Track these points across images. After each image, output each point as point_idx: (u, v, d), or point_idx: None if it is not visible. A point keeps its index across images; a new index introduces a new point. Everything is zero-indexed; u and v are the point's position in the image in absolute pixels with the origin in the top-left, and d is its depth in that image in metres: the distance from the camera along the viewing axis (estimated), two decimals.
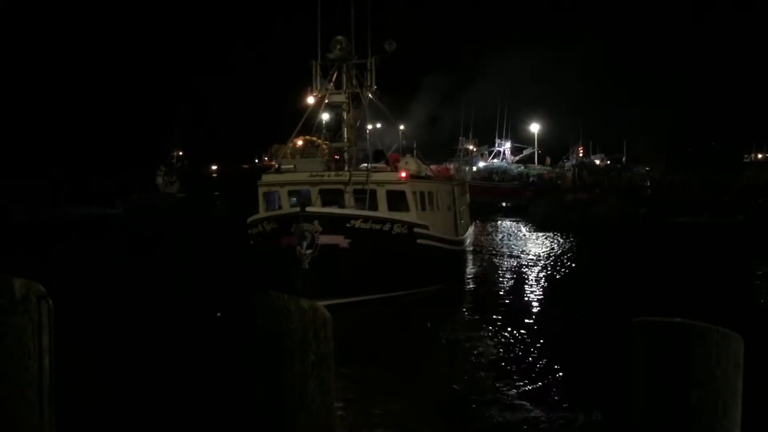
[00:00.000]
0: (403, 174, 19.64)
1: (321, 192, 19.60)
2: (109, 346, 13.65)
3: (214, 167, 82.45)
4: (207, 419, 10.16)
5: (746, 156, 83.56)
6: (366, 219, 17.32)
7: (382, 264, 16.94)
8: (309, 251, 15.81)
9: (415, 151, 30.35)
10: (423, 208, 20.21)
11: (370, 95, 22.77)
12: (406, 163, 22.04)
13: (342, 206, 18.89)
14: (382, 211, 18.86)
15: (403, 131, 43.24)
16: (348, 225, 16.80)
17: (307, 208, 16.35)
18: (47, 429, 5.55)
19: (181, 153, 76.49)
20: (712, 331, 4.02)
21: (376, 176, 19.44)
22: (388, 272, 17.25)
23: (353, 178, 19.07)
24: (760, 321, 17.11)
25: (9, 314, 5.43)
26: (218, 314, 16.89)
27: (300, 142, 22.22)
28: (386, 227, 17.66)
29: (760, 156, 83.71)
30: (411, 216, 19.09)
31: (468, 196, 31.93)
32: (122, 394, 10.97)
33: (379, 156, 22.36)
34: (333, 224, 16.37)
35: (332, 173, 19.74)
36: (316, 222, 15.92)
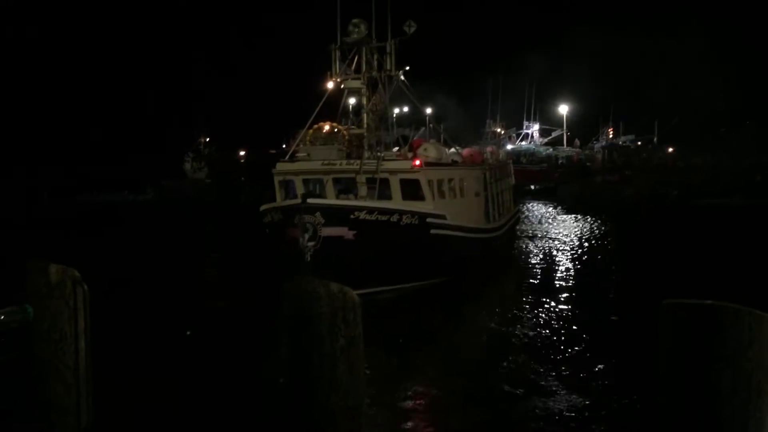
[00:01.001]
0: (417, 162, 18.92)
1: (335, 181, 19.21)
2: (141, 332, 13.89)
3: (242, 153, 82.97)
4: (238, 401, 10.31)
5: None
6: (371, 210, 16.78)
7: (391, 256, 16.34)
8: (311, 243, 15.49)
9: (442, 136, 29.95)
10: (442, 196, 19.61)
11: (399, 77, 22.42)
12: (425, 149, 21.20)
13: (356, 195, 18.53)
14: (396, 200, 18.39)
15: (430, 115, 43.10)
16: (352, 216, 16.32)
17: (310, 200, 15.94)
18: (84, 410, 5.70)
19: (207, 139, 77.04)
20: (744, 313, 3.98)
21: (389, 164, 18.86)
22: (398, 264, 16.66)
23: (364, 167, 18.54)
24: None
25: (45, 299, 5.59)
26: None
27: (326, 128, 21.71)
28: (394, 218, 17.08)
29: None
30: (426, 205, 18.53)
31: (512, 179, 30.71)
32: (154, 375, 11.18)
33: (403, 142, 22.08)
34: (336, 216, 15.96)
35: (344, 161, 19.23)
36: (318, 214, 15.57)
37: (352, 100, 22.59)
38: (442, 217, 18.55)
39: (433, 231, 18.05)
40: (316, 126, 21.41)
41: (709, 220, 37.50)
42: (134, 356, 12.00)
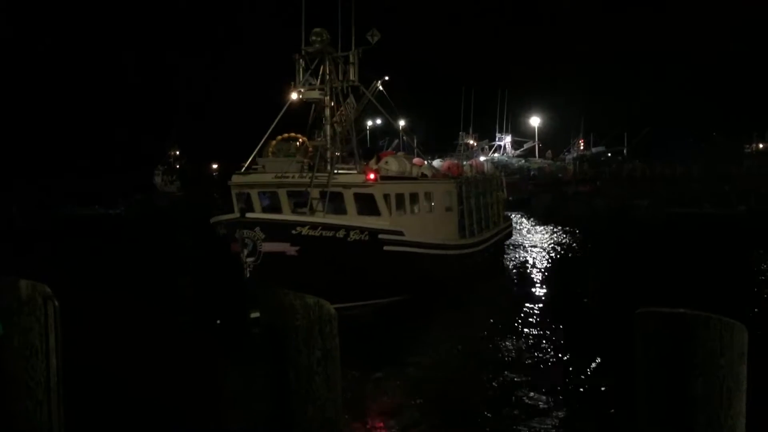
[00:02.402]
0: (371, 175, 18.18)
1: (292, 194, 18.66)
2: (113, 346, 13.70)
3: (215, 166, 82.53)
4: (213, 415, 10.21)
5: (747, 146, 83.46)
6: (314, 225, 16.09)
7: (339, 273, 15.54)
8: (251, 259, 14.96)
9: (415, 149, 29.79)
10: (401, 211, 18.91)
11: (377, 87, 22.04)
12: (386, 162, 20.51)
13: (311, 209, 17.81)
14: (351, 215, 17.81)
15: (404, 127, 43.18)
16: (294, 232, 15.71)
17: (248, 214, 15.41)
18: (55, 427, 5.60)
19: (177, 152, 76.47)
20: (715, 321, 4.03)
21: (342, 178, 18.25)
22: (346, 282, 15.71)
23: (315, 180, 17.84)
24: (764, 311, 17.18)
25: (15, 315, 5.48)
26: (218, 321, 16.66)
27: (282, 138, 20.95)
28: (340, 234, 16.35)
29: (761, 146, 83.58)
30: (381, 220, 17.84)
31: (502, 193, 29.69)
32: (127, 392, 11.02)
33: (369, 154, 21.67)
34: (276, 231, 15.37)
35: (296, 174, 18.50)
36: (257, 228, 15.03)
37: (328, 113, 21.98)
38: (398, 233, 17.81)
39: (387, 248, 17.33)
40: (280, 137, 20.98)
41: (679, 229, 38.10)
42: (106, 371, 11.82)
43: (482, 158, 73.76)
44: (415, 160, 24.47)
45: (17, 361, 5.59)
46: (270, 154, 20.71)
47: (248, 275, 15.08)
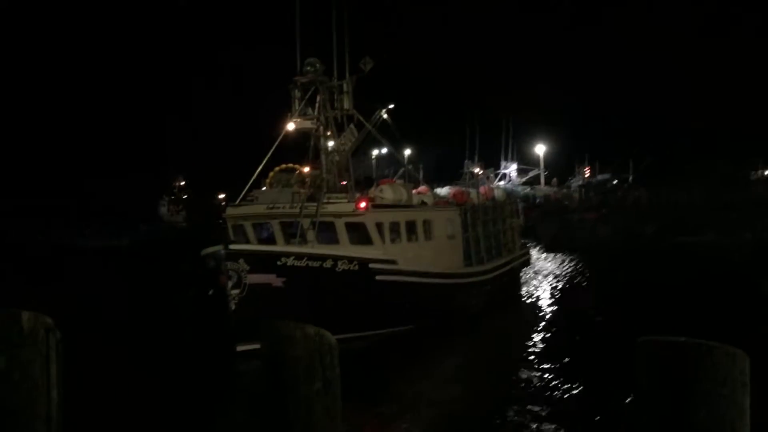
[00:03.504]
0: (362, 204, 17.95)
1: (283, 225, 18.49)
2: (114, 378, 13.65)
3: (222, 195, 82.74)
4: None
5: (753, 173, 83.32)
6: (300, 256, 15.86)
7: (326, 305, 15.20)
8: (235, 291, 14.76)
9: (419, 177, 29.71)
10: (396, 240, 18.65)
11: (382, 115, 21.97)
12: (381, 191, 20.26)
13: (304, 239, 17.65)
14: (343, 245, 17.60)
15: (409, 156, 43.21)
16: (279, 263, 15.49)
17: (232, 246, 15.23)
18: None
19: (183, 183, 76.73)
20: (717, 350, 4.00)
21: (332, 207, 17.99)
22: (336, 313, 15.16)
23: (305, 211, 17.68)
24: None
25: (17, 347, 5.46)
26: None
27: (309, 170, 20.92)
28: (327, 264, 16.09)
29: (767, 173, 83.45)
30: (373, 249, 17.62)
31: (516, 219, 29.14)
32: (129, 424, 10.95)
33: (369, 183, 21.52)
34: (261, 262, 15.18)
35: (287, 205, 18.25)
36: (241, 260, 14.85)
37: (331, 142, 21.92)
38: (391, 261, 17.54)
39: (379, 277, 17.07)
40: (278, 168, 20.99)
41: (684, 257, 37.89)
42: (108, 403, 11.77)
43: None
44: (420, 188, 24.41)
45: (17, 393, 5.55)
46: (268, 184, 20.73)
47: (233, 308, 14.79)
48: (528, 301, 25.22)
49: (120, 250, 54.96)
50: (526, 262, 30.55)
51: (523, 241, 30.82)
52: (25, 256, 44.48)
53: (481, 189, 28.68)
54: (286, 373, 4.86)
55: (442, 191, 28.22)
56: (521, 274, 29.60)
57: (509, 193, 39.56)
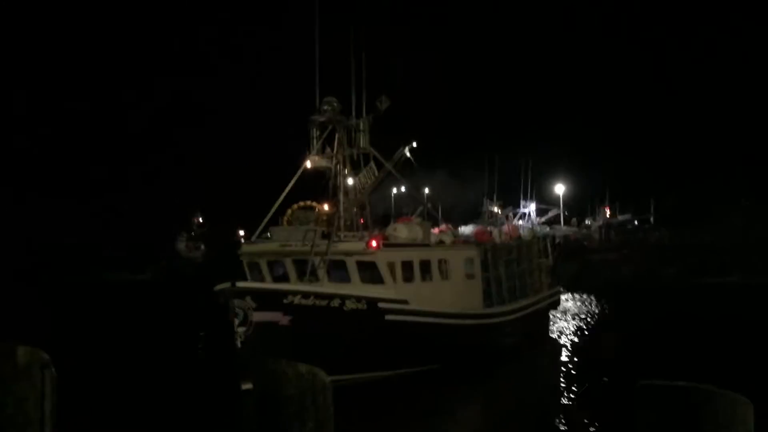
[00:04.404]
0: (374, 243, 17.77)
1: (295, 262, 18.41)
2: (111, 410, 13.57)
3: (242, 232, 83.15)
4: None
5: None
6: (306, 294, 15.79)
7: (334, 344, 15.06)
8: (242, 329, 14.73)
9: (440, 215, 29.38)
10: (408, 280, 18.43)
11: (405, 154, 21.80)
12: (395, 229, 20.08)
13: (313, 277, 17.56)
14: (354, 284, 17.50)
15: (427, 195, 43.10)
16: (285, 301, 15.42)
17: (239, 283, 15.22)
18: None
19: (200, 219, 77.37)
20: (718, 396, 3.86)
21: (343, 246, 17.94)
22: (343, 353, 15.22)
23: (315, 249, 17.60)
24: None
25: (11, 383, 5.43)
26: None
27: (328, 208, 20.83)
28: (334, 303, 15.98)
29: None
30: (385, 289, 17.44)
31: (544, 259, 28.54)
32: None
33: (387, 221, 21.40)
34: (267, 300, 15.15)
35: (299, 243, 18.11)
36: (248, 298, 14.85)
37: (350, 180, 21.77)
38: (402, 301, 17.34)
39: (389, 317, 16.89)
40: (296, 206, 21.01)
41: (706, 299, 37.27)
42: None
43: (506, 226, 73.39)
44: (442, 226, 24.20)
45: (10, 429, 5.51)
46: (286, 222, 20.75)
47: (240, 345, 14.81)
48: (552, 343, 24.79)
49: (145, 283, 55.51)
50: (555, 303, 29.68)
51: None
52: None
53: (506, 228, 28.15)
54: (277, 412, 4.76)
55: (466, 230, 27.91)
56: (549, 316, 28.69)
57: (536, 233, 38.13)
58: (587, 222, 78.92)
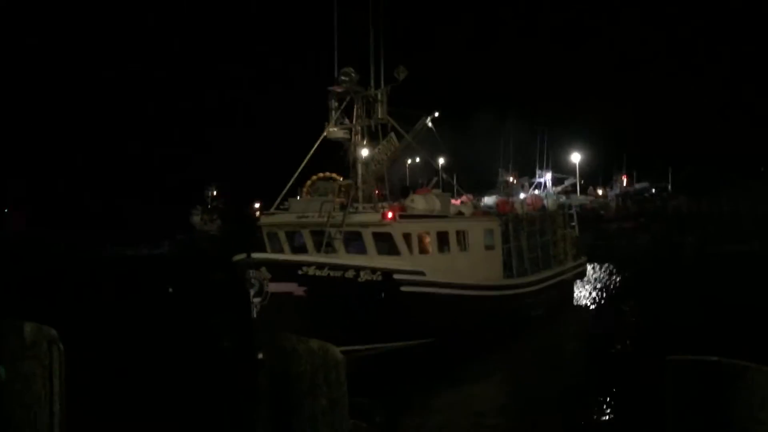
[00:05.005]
0: (390, 214, 17.68)
1: (313, 234, 18.33)
2: (123, 379, 13.55)
3: (257, 205, 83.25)
4: None
5: None
6: (321, 266, 15.79)
7: (349, 315, 15.20)
8: (257, 299, 14.64)
9: (455, 186, 29.07)
10: (424, 251, 18.37)
11: (426, 123, 21.58)
12: (412, 200, 19.91)
13: (329, 249, 17.47)
14: (371, 255, 17.44)
15: (443, 165, 42.74)
16: (300, 272, 15.43)
17: (254, 254, 15.09)
18: None
19: (215, 192, 77.43)
20: (754, 370, 3.65)
21: (359, 217, 17.82)
22: (358, 324, 15.39)
23: (331, 220, 17.53)
24: None
25: (18, 360, 5.32)
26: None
27: (346, 179, 20.67)
28: (349, 274, 15.99)
29: None
30: (401, 260, 17.39)
31: (569, 230, 27.78)
32: None
33: (405, 192, 21.21)
34: (283, 271, 15.09)
35: (316, 214, 18.07)
36: (263, 269, 14.74)
37: (365, 151, 21.54)
38: (419, 273, 17.30)
39: (404, 288, 16.84)
40: (315, 177, 20.93)
41: (726, 267, 36.79)
42: (115, 418, 11.65)
43: (522, 195, 73.00)
44: (463, 197, 23.85)
45: (19, 406, 5.41)
46: (305, 193, 20.65)
47: (255, 315, 14.79)
48: (576, 314, 24.56)
49: (163, 256, 55.82)
50: (581, 274, 29.19)
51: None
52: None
53: (529, 198, 27.62)
54: (289, 389, 4.61)
55: (489, 201, 27.51)
56: (574, 287, 28.26)
57: (562, 203, 37.00)
58: (599, 191, 78.12)
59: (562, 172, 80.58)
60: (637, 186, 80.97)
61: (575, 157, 79.79)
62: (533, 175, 78.84)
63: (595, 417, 12.40)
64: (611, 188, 79.94)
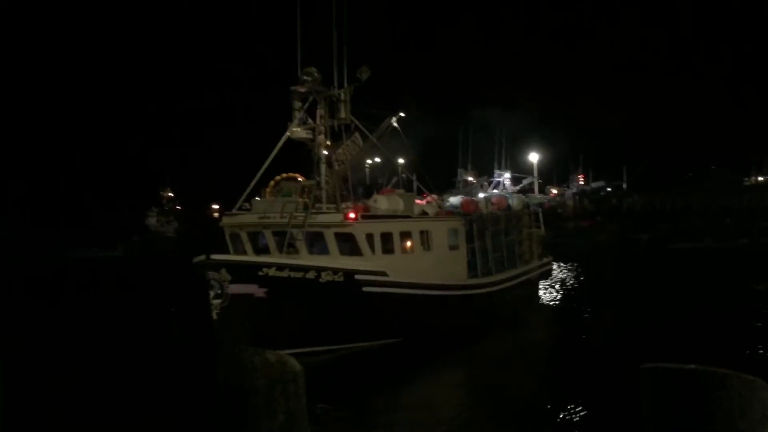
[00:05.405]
0: (351, 215, 17.67)
1: (275, 234, 18.21)
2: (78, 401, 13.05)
3: (216, 206, 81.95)
4: None
5: (746, 179, 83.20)
6: (282, 267, 15.69)
7: (310, 316, 15.14)
8: (217, 301, 14.65)
9: (415, 185, 28.93)
10: (388, 251, 18.21)
11: (392, 123, 21.43)
12: (375, 201, 19.78)
13: (290, 249, 17.41)
14: (333, 255, 17.36)
15: (403, 165, 42.57)
16: (260, 273, 15.33)
17: (213, 256, 15.07)
18: None
19: (170, 194, 76.02)
20: (732, 378, 3.48)
21: (321, 218, 17.75)
22: (319, 325, 15.35)
23: (293, 221, 17.43)
24: None
25: None
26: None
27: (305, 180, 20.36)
28: (310, 275, 15.86)
29: (760, 179, 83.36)
30: (363, 260, 17.30)
31: (535, 229, 27.88)
32: None
33: (368, 192, 21.06)
34: (243, 272, 15.07)
35: (278, 215, 17.96)
36: (223, 270, 14.77)
37: (325, 152, 21.15)
38: (380, 273, 17.20)
39: (366, 289, 16.75)
40: (278, 177, 20.64)
41: (680, 263, 37.47)
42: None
43: (481, 194, 73.34)
44: (428, 197, 23.71)
45: None
46: (268, 193, 20.39)
47: (215, 317, 14.63)
48: (541, 313, 24.61)
49: (117, 259, 54.42)
50: (547, 273, 29.01)
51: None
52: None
53: (494, 198, 27.70)
54: (245, 405, 4.31)
55: (455, 200, 27.47)
56: (539, 286, 28.15)
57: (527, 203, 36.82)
58: (554, 191, 78.89)
59: (520, 171, 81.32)
60: (593, 185, 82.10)
61: (533, 157, 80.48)
62: (492, 175, 79.45)
63: (562, 413, 12.29)
64: (568, 187, 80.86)
